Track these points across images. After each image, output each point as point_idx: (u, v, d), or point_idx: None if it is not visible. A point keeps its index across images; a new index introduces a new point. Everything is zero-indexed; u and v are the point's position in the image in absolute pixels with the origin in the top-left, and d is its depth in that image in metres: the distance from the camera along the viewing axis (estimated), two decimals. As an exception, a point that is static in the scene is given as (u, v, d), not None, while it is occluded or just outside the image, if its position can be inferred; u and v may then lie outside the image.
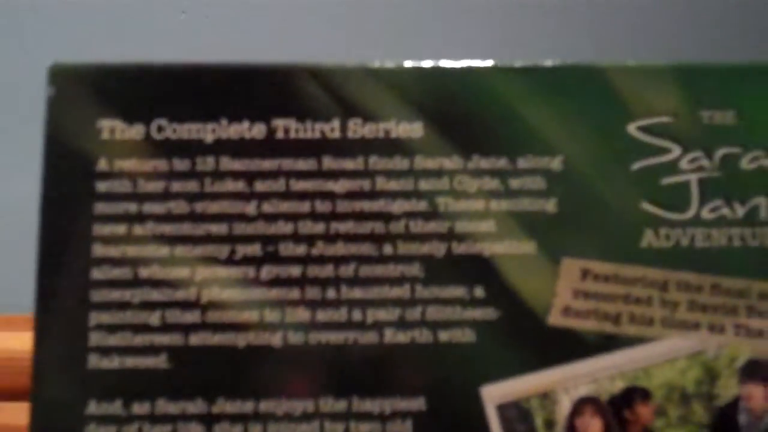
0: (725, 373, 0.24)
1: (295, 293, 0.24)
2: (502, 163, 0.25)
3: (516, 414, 0.24)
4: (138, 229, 0.24)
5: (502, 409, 0.23)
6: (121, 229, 0.24)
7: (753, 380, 0.24)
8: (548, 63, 0.25)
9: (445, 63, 0.25)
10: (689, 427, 0.24)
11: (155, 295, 0.24)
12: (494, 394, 0.24)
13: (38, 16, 0.65)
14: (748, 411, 0.24)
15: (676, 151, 0.25)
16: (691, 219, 0.25)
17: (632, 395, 0.24)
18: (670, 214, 0.25)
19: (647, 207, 0.25)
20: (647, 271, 0.24)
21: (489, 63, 0.25)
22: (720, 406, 0.24)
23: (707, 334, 0.24)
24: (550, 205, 0.25)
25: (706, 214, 0.25)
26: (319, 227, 0.24)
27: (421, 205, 0.25)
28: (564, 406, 0.24)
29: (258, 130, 0.25)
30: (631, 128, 0.25)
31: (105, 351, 0.24)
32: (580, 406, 0.24)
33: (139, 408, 0.23)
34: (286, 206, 0.24)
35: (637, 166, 0.25)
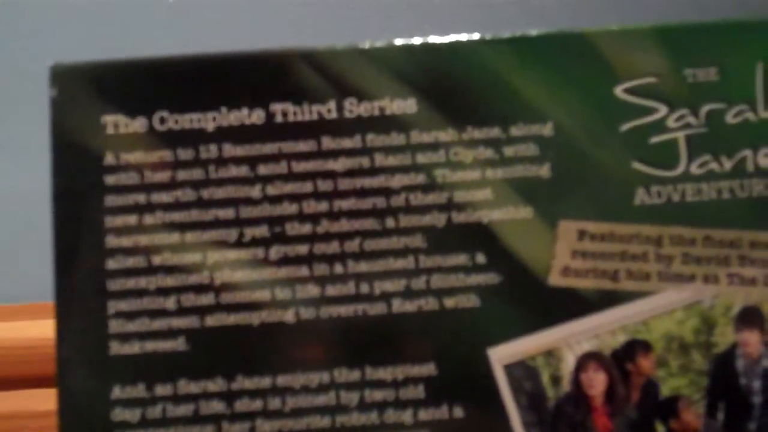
0: (721, 322, 0.25)
1: (303, 270, 0.25)
2: (495, 132, 0.26)
3: (523, 372, 0.25)
4: (148, 219, 0.25)
5: (510, 368, 0.24)
6: (131, 219, 0.25)
7: (748, 327, 0.25)
8: (533, 32, 0.26)
9: (434, 39, 0.26)
10: (689, 376, 0.25)
11: (169, 280, 0.25)
12: (501, 354, 0.24)
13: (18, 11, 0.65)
14: (745, 356, 0.25)
15: (662, 110, 0.26)
16: (680, 175, 0.26)
17: (633, 348, 0.25)
18: (661, 171, 0.25)
19: (638, 166, 0.25)
20: (641, 228, 0.25)
21: (475, 36, 0.26)
22: (718, 353, 0.25)
23: (702, 285, 0.25)
24: (544, 171, 0.25)
25: (695, 169, 0.26)
26: (322, 206, 0.25)
27: (420, 178, 0.25)
28: (569, 363, 0.25)
29: (257, 116, 0.26)
30: (618, 91, 0.26)
31: (125, 337, 0.24)
32: (584, 361, 0.25)
33: (162, 390, 0.24)
34: (289, 187, 0.25)
35: (625, 127, 0.26)
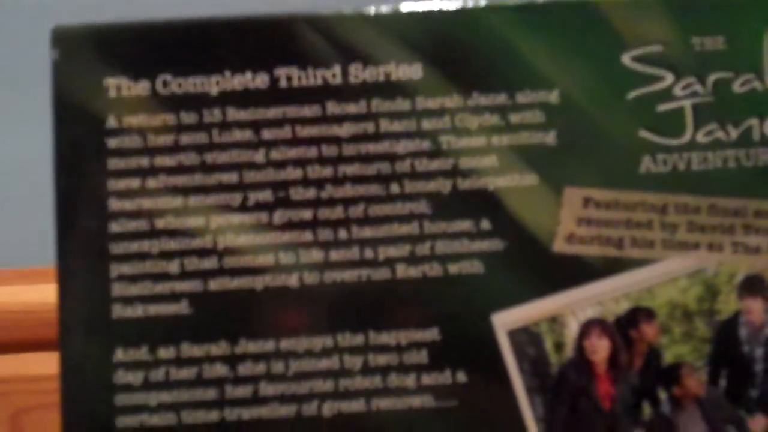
0: (725, 290, 0.25)
1: (307, 235, 0.25)
2: (501, 99, 0.25)
3: (526, 338, 0.25)
4: (151, 182, 0.25)
5: (513, 334, 0.24)
6: (134, 182, 0.25)
7: (751, 295, 0.25)
8: (541, -1, 0.26)
9: (440, 4, 0.26)
10: (692, 343, 0.25)
11: (173, 244, 0.25)
12: (505, 320, 0.24)
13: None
14: (748, 324, 0.25)
15: (669, 78, 0.26)
16: (686, 143, 0.25)
17: (637, 315, 0.25)
18: (667, 139, 0.25)
19: (644, 134, 0.25)
20: (646, 196, 0.25)
21: (482, 2, 0.26)
22: (721, 321, 0.25)
23: (706, 253, 0.25)
24: (550, 138, 0.25)
25: (701, 138, 0.26)
26: (327, 171, 0.25)
27: (425, 144, 0.25)
28: (572, 329, 0.25)
29: (261, 80, 0.25)
30: (625, 58, 0.26)
31: (128, 300, 0.24)
32: (587, 327, 0.25)
33: (165, 353, 0.24)
34: (293, 152, 0.25)
35: (632, 95, 0.25)
